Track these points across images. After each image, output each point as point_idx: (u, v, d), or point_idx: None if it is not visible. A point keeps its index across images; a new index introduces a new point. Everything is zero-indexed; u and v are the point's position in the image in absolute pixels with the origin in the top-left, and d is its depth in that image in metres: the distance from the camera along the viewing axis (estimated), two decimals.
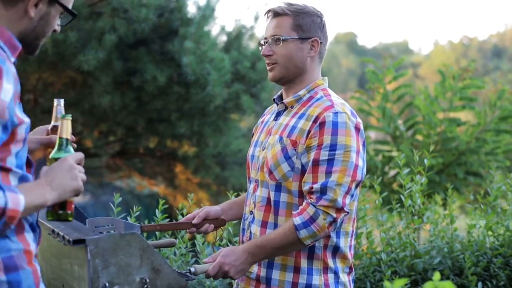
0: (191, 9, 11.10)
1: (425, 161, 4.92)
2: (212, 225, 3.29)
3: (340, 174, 2.89)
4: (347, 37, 69.97)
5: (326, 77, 3.23)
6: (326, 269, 3.02)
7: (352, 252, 3.13)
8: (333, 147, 2.91)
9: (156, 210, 4.30)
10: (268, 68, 3.15)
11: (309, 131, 2.98)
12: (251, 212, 3.15)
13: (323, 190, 2.88)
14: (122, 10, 9.34)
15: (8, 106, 2.22)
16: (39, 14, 2.42)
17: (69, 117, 2.46)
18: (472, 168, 10.08)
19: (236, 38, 11.93)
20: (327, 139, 2.92)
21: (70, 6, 2.50)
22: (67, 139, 2.44)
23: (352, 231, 3.11)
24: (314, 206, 2.88)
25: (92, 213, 15.90)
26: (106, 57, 9.61)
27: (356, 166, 2.93)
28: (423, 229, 5.49)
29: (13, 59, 2.39)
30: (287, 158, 3.00)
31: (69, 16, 2.53)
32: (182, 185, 13.40)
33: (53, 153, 2.43)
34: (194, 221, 3.26)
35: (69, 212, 2.43)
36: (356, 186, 2.97)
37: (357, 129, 2.99)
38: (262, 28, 12.86)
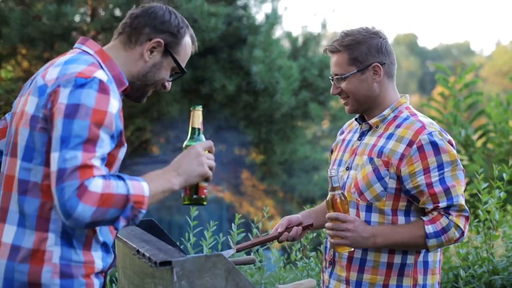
0: (259, 17, 11.14)
1: (504, 175, 4.82)
2: (300, 228, 3.29)
3: (458, 186, 2.96)
4: (408, 39, 69.31)
5: (408, 95, 3.21)
6: (415, 286, 3.03)
7: (440, 267, 3.13)
8: (441, 167, 2.95)
9: (233, 224, 4.30)
10: (343, 103, 3.18)
11: (403, 155, 2.98)
12: None
13: (449, 205, 2.94)
14: (192, 20, 9.40)
15: (114, 117, 2.37)
16: (152, 61, 2.60)
17: (200, 108, 2.64)
18: None
19: (303, 45, 11.92)
20: (432, 162, 2.96)
21: (183, 63, 2.65)
22: (198, 129, 2.63)
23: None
24: (447, 218, 2.93)
25: (157, 216, 16.06)
26: None
27: (463, 174, 3.02)
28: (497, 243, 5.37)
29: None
30: (380, 178, 3.00)
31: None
32: (248, 191, 13.44)
33: (185, 142, 2.62)
34: (279, 230, 3.28)
35: (202, 196, 2.61)
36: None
37: (450, 144, 3.02)
38: (329, 35, 12.81)
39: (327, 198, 2.99)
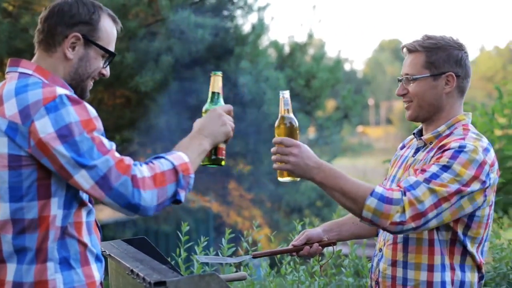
0: (246, 27, 11.17)
1: None
2: (320, 247, 3.25)
3: (439, 187, 2.74)
4: (392, 44, 69.34)
5: (470, 113, 3.06)
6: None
7: (483, 258, 2.97)
8: (444, 168, 2.77)
9: (223, 239, 4.32)
10: (404, 106, 3.06)
11: (431, 157, 2.88)
12: (381, 250, 3.06)
13: (413, 185, 2.75)
14: (179, 31, 9.42)
15: (98, 119, 2.39)
16: (77, 56, 2.53)
17: (219, 73, 2.73)
18: None
19: (290, 55, 11.96)
20: (443, 161, 2.78)
21: (110, 46, 2.59)
22: (218, 93, 2.72)
23: (482, 238, 2.94)
24: (403, 194, 2.73)
25: (144, 225, 16.01)
26: (163, 77, 9.71)
27: (458, 191, 2.75)
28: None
29: None
30: None
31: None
32: (235, 201, 13.44)
33: (205, 106, 2.71)
34: (295, 243, 3.26)
35: (220, 157, 2.70)
36: (448, 210, 2.76)
37: (481, 166, 2.80)
38: (315, 45, 12.87)
39: (276, 121, 2.88)
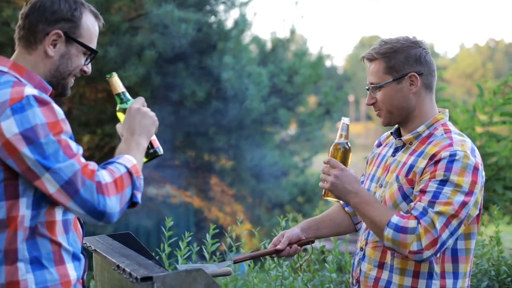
0: (229, 23, 11.16)
1: None
2: (298, 247, 3.27)
3: (444, 206, 2.76)
4: (373, 41, 69.04)
5: (447, 110, 3.07)
6: None
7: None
8: (442, 183, 2.78)
9: (207, 235, 4.32)
10: (376, 114, 3.08)
11: (423, 169, 2.86)
12: (362, 249, 3.09)
13: (423, 212, 2.76)
14: (162, 26, 9.40)
15: (66, 122, 2.35)
16: (58, 54, 2.50)
17: (114, 74, 2.67)
18: (511, 183, 9.99)
19: (272, 51, 11.96)
20: (439, 175, 2.79)
21: (92, 43, 2.57)
22: (123, 92, 2.66)
23: (469, 271, 2.98)
24: (418, 224, 2.75)
25: (124, 221, 15.97)
26: (146, 72, 9.68)
27: (463, 203, 2.78)
28: None
29: None
30: (405, 197, 2.90)
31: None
32: (217, 197, 13.45)
33: (118, 107, 2.66)
34: (279, 247, 3.25)
35: (156, 148, 2.67)
36: (459, 225, 2.80)
37: (475, 169, 2.82)
38: (298, 41, 12.88)
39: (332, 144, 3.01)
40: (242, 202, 13.32)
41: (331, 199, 2.98)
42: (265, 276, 4.67)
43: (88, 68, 2.60)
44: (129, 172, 2.37)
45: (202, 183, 13.22)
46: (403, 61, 2.95)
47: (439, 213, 2.75)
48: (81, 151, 2.34)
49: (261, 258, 4.57)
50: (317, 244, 4.96)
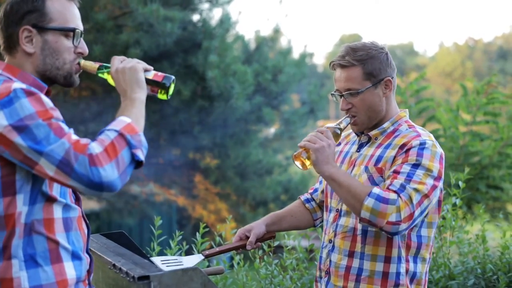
0: (214, 22, 11.16)
1: (460, 183, 4.95)
2: (259, 243, 3.38)
3: (419, 185, 2.90)
4: (352, 39, 69.45)
5: (407, 109, 3.24)
6: None
7: (427, 279, 3.13)
8: (415, 166, 2.93)
9: (197, 234, 4.33)
10: (351, 122, 3.16)
11: (394, 157, 3.01)
12: (331, 241, 3.17)
13: (401, 188, 2.88)
14: (147, 24, 9.39)
15: (55, 109, 2.32)
16: (38, 47, 2.48)
17: (81, 61, 2.54)
18: (494, 181, 10.07)
19: (257, 49, 11.98)
20: (412, 159, 2.94)
21: (70, 23, 2.51)
22: (99, 66, 2.58)
23: (429, 258, 3.12)
24: (399, 196, 2.87)
25: (107, 219, 15.93)
26: None
27: (434, 186, 2.94)
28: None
29: None
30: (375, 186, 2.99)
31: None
32: (201, 195, 13.45)
33: (100, 72, 2.59)
34: (248, 247, 3.34)
35: (163, 80, 2.55)
36: (427, 206, 2.94)
37: (441, 158, 3.00)
38: (283, 40, 12.89)
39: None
40: (226, 200, 13.33)
41: (300, 163, 3.02)
42: (255, 275, 4.69)
43: (83, 48, 2.55)
44: (121, 134, 2.31)
45: (186, 181, 13.21)
46: (379, 67, 3.10)
47: (416, 190, 2.90)
48: (72, 130, 2.32)
49: (251, 256, 4.60)
50: (306, 243, 5.00)
